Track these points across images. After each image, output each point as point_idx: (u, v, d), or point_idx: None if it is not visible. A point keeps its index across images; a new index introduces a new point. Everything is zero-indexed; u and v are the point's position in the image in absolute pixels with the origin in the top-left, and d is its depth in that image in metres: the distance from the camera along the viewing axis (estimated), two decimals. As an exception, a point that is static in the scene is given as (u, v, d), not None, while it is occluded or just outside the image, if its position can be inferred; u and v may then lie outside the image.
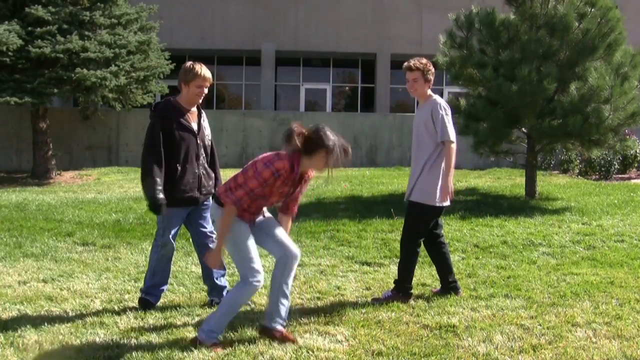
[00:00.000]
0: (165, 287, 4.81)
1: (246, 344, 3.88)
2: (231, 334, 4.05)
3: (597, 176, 15.02)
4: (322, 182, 12.85)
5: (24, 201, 10.85)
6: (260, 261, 3.89)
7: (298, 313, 4.49)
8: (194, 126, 4.59)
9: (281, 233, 4.01)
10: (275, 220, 4.09)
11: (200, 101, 4.64)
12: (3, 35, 13.04)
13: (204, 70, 4.51)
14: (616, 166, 14.90)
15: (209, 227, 4.73)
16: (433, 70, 4.87)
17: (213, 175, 4.77)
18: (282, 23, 21.50)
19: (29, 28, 13.84)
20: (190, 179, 4.55)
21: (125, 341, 3.93)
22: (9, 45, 13.16)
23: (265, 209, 4.09)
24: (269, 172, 3.75)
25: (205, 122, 4.72)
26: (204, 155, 4.67)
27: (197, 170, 4.58)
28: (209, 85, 4.55)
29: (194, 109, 4.65)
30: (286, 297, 3.95)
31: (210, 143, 4.77)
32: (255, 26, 21.40)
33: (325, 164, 3.80)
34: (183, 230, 7.82)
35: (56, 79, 13.96)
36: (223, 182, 4.35)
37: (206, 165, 4.69)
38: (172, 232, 4.61)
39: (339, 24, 21.52)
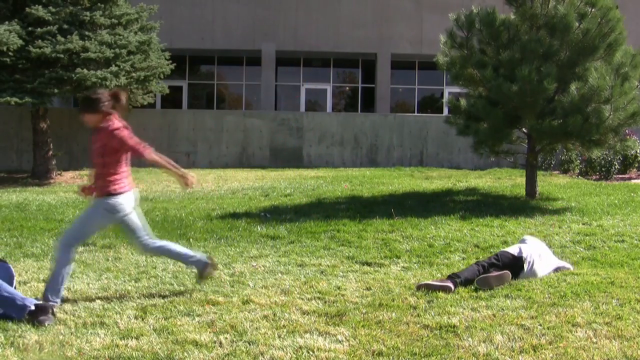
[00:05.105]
0: None
1: (246, 344, 3.88)
2: (231, 334, 4.06)
3: (597, 176, 15.01)
4: (322, 182, 12.84)
5: (24, 201, 10.85)
6: None
7: (298, 313, 4.50)
8: None
9: None
10: None
11: None
12: (3, 35, 13.04)
13: None
14: (616, 166, 14.90)
15: None
16: None
17: None
18: (282, 23, 21.50)
19: (29, 28, 13.84)
20: None
21: (125, 341, 3.93)
22: (9, 45, 13.16)
23: None
24: None
25: None
26: None
27: None
28: None
29: None
30: None
31: None
32: (255, 26, 21.41)
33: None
34: (183, 230, 7.81)
35: (56, 79, 13.96)
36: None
37: None
38: None
39: (339, 24, 21.52)
